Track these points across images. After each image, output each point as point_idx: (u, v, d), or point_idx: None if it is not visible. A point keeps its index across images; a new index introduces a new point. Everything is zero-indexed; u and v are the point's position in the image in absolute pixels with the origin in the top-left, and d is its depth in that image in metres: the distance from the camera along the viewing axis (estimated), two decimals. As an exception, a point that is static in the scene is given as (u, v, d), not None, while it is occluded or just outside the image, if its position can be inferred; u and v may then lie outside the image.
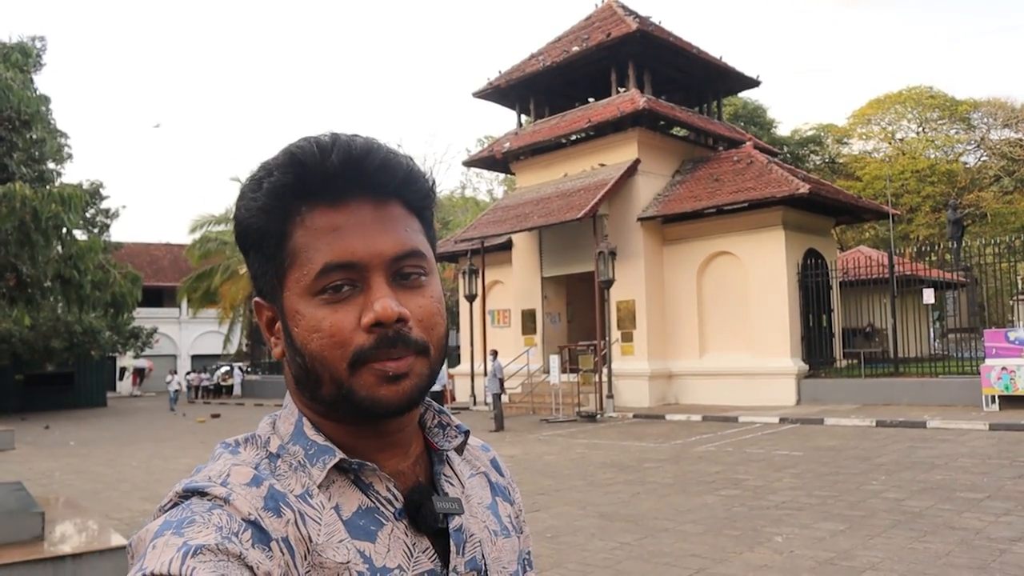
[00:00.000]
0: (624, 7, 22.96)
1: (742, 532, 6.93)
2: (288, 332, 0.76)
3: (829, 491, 8.60)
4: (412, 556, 0.75)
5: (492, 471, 0.95)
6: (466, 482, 0.88)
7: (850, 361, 20.18)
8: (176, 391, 31.06)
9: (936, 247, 24.51)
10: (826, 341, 19.91)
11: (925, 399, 16.59)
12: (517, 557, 0.89)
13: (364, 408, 0.74)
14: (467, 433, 0.88)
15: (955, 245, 24.14)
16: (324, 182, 0.73)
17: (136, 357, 42.20)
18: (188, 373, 39.60)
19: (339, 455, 0.75)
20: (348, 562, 0.71)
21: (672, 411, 18.31)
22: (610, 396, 19.09)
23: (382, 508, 0.76)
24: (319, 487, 0.74)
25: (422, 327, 0.76)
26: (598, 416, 18.32)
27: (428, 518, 0.77)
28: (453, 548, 0.79)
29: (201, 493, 0.69)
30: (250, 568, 0.63)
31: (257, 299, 0.80)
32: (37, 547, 5.62)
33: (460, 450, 0.88)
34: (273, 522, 0.68)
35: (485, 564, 0.82)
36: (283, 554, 0.67)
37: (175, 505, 0.69)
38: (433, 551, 0.77)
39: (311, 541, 0.70)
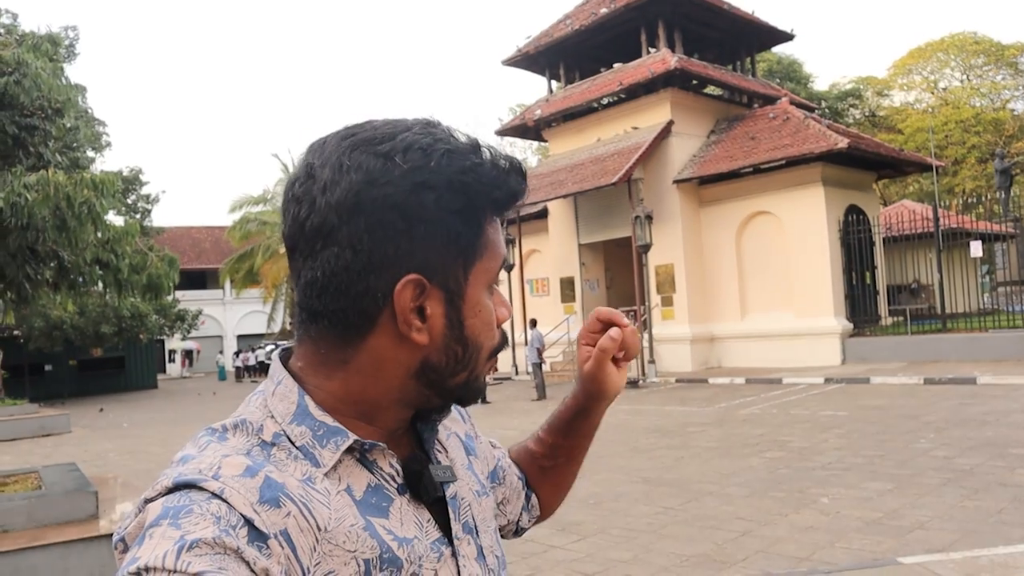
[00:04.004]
0: (652, -35, 22.47)
1: (787, 494, 6.87)
2: (460, 321, 0.75)
3: (876, 451, 8.48)
4: (422, 527, 0.76)
5: (458, 423, 0.96)
6: (447, 445, 0.89)
7: (896, 319, 19.80)
8: None
9: (983, 199, 23.82)
10: (870, 299, 19.54)
11: (975, 355, 16.23)
12: (494, 512, 0.92)
13: (471, 396, 0.80)
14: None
15: (1004, 196, 23.39)
16: (515, 201, 0.80)
17: (183, 339, 43.13)
18: (236, 353, 40.25)
19: (351, 436, 0.73)
20: (362, 541, 0.70)
21: (715, 374, 18.19)
22: (652, 361, 18.99)
23: (387, 484, 0.76)
24: (331, 469, 0.72)
25: None
26: (640, 382, 18.26)
27: (428, 488, 0.78)
28: (452, 515, 0.80)
29: (193, 487, 0.66)
30: (247, 563, 0.61)
31: (418, 276, 0.72)
32: (92, 525, 5.78)
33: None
34: (270, 515, 0.66)
35: (475, 525, 0.84)
36: (282, 548, 0.65)
37: (165, 496, 0.66)
38: (433, 519, 0.78)
39: (320, 529, 0.68)
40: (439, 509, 0.80)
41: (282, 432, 0.73)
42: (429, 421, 0.85)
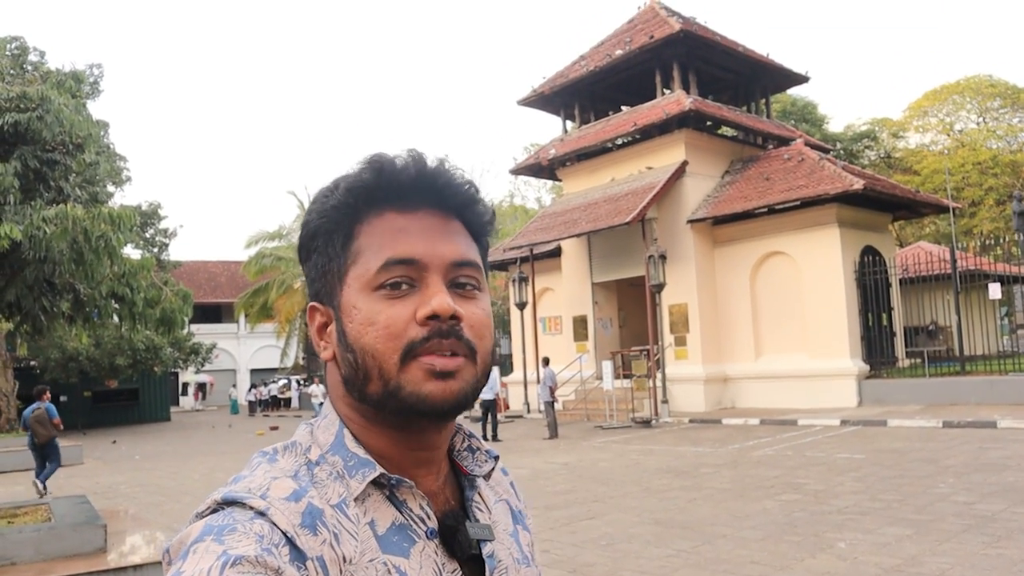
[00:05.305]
0: (667, 8, 22.76)
1: (803, 538, 6.74)
2: (342, 330, 0.77)
3: (894, 495, 8.32)
4: (441, 575, 0.77)
5: (512, 496, 0.96)
6: (492, 508, 0.89)
7: (913, 360, 19.57)
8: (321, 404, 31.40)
9: (1002, 240, 23.67)
10: (887, 340, 19.35)
11: (994, 398, 15.99)
12: None
13: (410, 405, 0.74)
14: (496, 459, 0.89)
15: (1022, 238, 23.28)
16: (398, 188, 0.77)
17: (197, 372, 43.23)
18: (251, 387, 40.27)
19: (379, 469, 0.75)
20: None
21: (729, 415, 18.00)
22: (664, 401, 18.84)
23: (414, 525, 0.76)
24: (355, 500, 0.74)
25: (473, 332, 0.77)
26: (653, 421, 18.10)
27: (463, 544, 0.78)
28: (488, 573, 0.80)
29: (240, 504, 0.68)
30: None
31: (313, 303, 0.81)
32: (100, 558, 5.76)
33: (487, 476, 0.88)
34: (309, 540, 0.68)
35: None
36: (317, 573, 0.67)
37: (214, 512, 0.69)
38: (461, 574, 0.78)
39: (345, 561, 0.70)
40: (475, 569, 0.80)
41: (324, 457, 0.78)
42: (469, 476, 0.86)
